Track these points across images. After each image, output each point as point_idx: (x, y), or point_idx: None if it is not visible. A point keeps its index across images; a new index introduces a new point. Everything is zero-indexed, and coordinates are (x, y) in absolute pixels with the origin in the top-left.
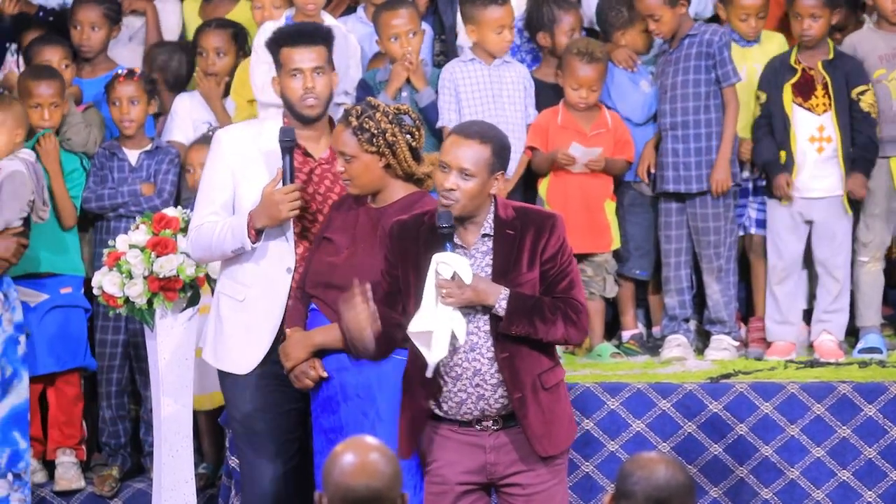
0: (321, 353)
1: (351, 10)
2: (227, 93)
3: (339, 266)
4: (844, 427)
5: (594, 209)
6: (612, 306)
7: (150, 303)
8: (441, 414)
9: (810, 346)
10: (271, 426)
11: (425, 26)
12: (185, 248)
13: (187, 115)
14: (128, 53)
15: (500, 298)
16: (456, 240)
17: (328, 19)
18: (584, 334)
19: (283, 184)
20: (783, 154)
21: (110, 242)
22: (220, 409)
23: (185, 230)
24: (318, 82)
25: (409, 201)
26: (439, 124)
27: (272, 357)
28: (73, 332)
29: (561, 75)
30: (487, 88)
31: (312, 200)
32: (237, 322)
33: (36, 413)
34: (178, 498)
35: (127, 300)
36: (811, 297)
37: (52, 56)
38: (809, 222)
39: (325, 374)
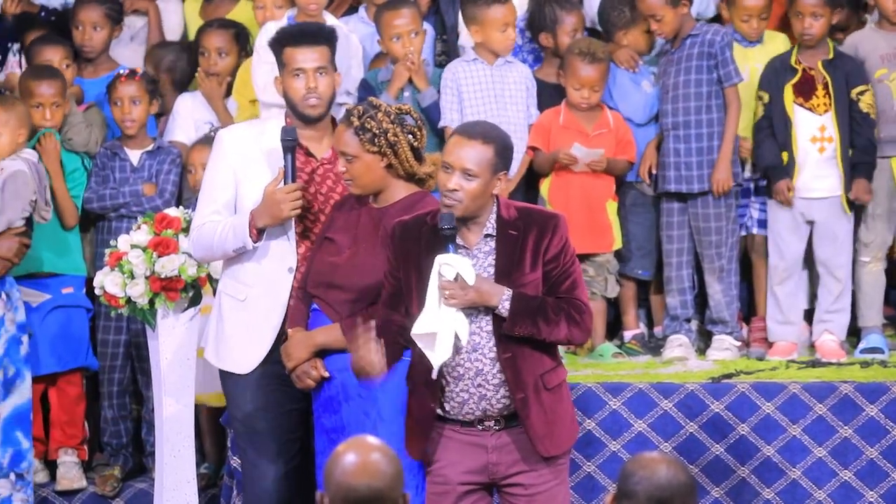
0: (323, 353)
1: (353, 10)
2: (228, 93)
3: (340, 266)
4: (846, 427)
5: (596, 209)
6: (614, 306)
7: (151, 303)
8: (443, 414)
9: (812, 347)
10: (273, 426)
11: (427, 26)
12: (186, 248)
13: (189, 115)
14: (129, 53)
15: (503, 299)
16: (458, 240)
17: (330, 19)
18: (588, 334)
19: (285, 183)
20: (785, 155)
21: (112, 242)
22: (223, 409)
23: (186, 230)
24: (321, 82)
25: (411, 201)
26: (441, 124)
27: (274, 357)
28: (74, 332)
29: (563, 75)
30: (490, 88)
31: (314, 200)
32: (238, 321)
33: (38, 413)
34: (180, 498)
35: (129, 300)
36: (813, 297)
37: (53, 56)
38: (811, 222)
39: (326, 374)
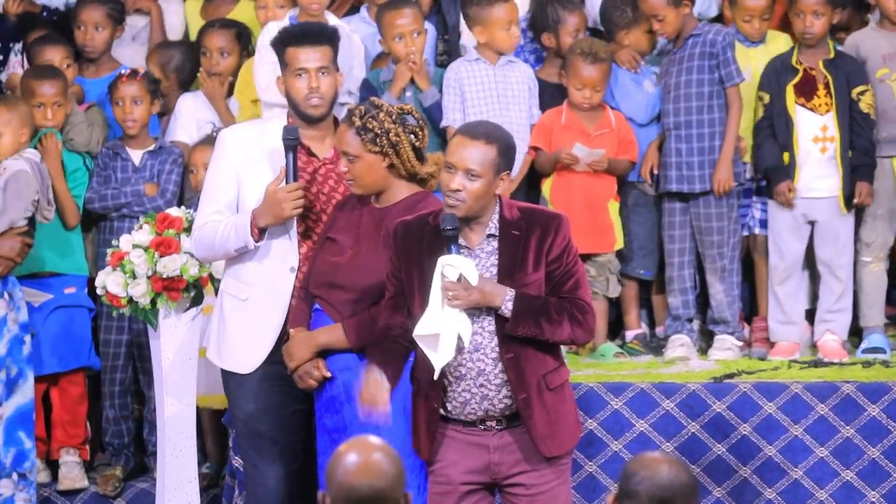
0: (325, 354)
1: (354, 9)
2: (230, 92)
3: (342, 266)
4: (848, 427)
5: (597, 209)
6: (616, 306)
7: (153, 303)
8: (445, 414)
9: (814, 346)
10: (274, 427)
11: (428, 26)
12: (188, 248)
13: (191, 114)
14: (131, 53)
15: (506, 300)
16: (460, 241)
17: (332, 19)
18: (591, 335)
19: (286, 182)
20: (786, 155)
21: (114, 242)
22: (224, 409)
23: (188, 230)
24: (323, 82)
25: (413, 201)
26: (444, 124)
27: (276, 357)
28: (76, 331)
29: (565, 75)
30: (492, 88)
31: (316, 200)
32: (240, 321)
33: (40, 413)
34: (182, 498)
35: (130, 300)
36: (814, 297)
37: (54, 56)
38: (812, 222)
39: (328, 374)
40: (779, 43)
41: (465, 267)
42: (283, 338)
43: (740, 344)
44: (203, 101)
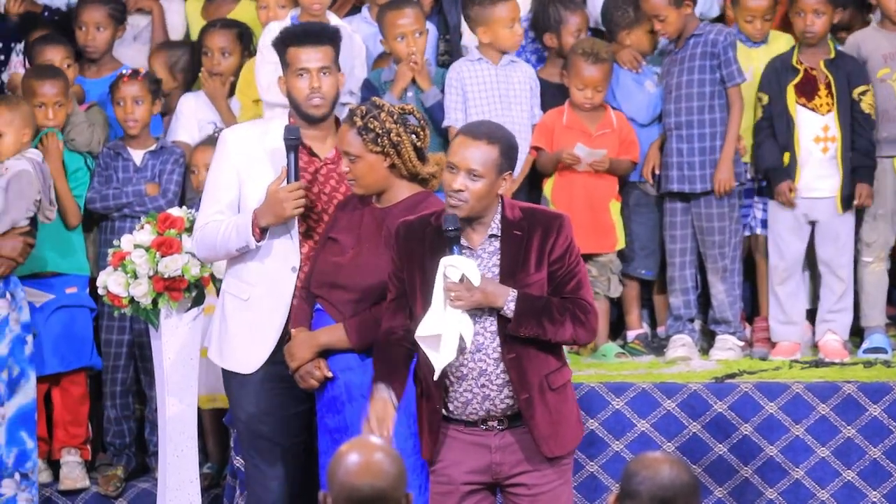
0: (326, 354)
1: (356, 9)
2: (231, 92)
3: (344, 266)
4: (849, 427)
5: (599, 209)
6: (617, 306)
7: (154, 303)
8: (447, 414)
9: (815, 346)
10: (276, 429)
11: (429, 26)
12: (189, 248)
13: (192, 115)
14: (132, 53)
15: (508, 300)
16: (462, 241)
17: (333, 19)
18: (593, 335)
19: (288, 182)
20: (787, 156)
21: (115, 242)
22: (225, 409)
23: (189, 230)
24: (325, 82)
25: (414, 201)
26: (445, 124)
27: (277, 357)
28: (78, 331)
29: (566, 75)
30: (494, 88)
31: (318, 200)
32: (242, 321)
33: (41, 413)
34: (183, 498)
35: (132, 300)
36: (815, 297)
37: (55, 56)
38: (812, 222)
39: (330, 375)
40: (780, 43)
41: (467, 267)
42: (285, 338)
43: (741, 344)
44: (204, 101)
